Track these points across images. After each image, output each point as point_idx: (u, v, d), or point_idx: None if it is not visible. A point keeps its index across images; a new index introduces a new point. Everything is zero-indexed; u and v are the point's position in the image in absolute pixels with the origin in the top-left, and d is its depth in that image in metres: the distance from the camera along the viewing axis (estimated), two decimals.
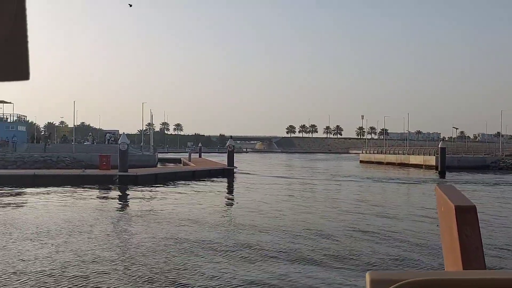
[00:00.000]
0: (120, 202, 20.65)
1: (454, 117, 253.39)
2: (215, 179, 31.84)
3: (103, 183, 26.42)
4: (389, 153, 64.69)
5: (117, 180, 26.85)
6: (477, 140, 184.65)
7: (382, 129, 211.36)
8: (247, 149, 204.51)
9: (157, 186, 26.29)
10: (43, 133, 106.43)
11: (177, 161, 60.28)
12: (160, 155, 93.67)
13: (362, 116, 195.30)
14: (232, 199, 22.09)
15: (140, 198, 21.74)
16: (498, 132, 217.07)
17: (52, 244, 11.45)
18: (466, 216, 1.06)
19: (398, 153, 61.60)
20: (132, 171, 27.75)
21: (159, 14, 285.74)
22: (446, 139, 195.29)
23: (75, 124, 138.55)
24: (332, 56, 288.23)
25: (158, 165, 56.05)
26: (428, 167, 51.47)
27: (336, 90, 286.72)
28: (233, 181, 31.03)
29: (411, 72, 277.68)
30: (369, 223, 14.94)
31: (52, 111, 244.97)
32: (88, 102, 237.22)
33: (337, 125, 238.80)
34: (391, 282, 0.78)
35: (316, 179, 33.89)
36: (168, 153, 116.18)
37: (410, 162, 56.27)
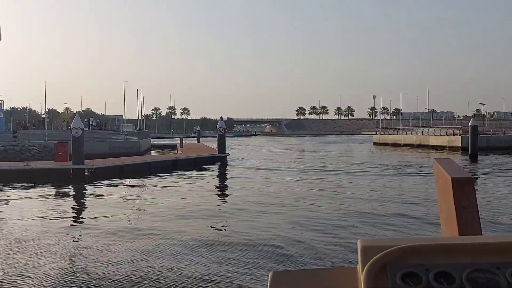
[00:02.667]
0: (51, 211, 14.94)
1: (467, 95, 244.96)
2: (201, 170, 26.15)
3: (54, 178, 20.93)
4: (407, 134, 58.40)
5: (71, 174, 21.34)
6: (493, 118, 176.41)
7: (395, 109, 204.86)
8: (256, 132, 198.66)
9: (118, 182, 20.70)
10: (41, 120, 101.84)
11: (174, 147, 54.87)
12: (161, 141, 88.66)
13: (374, 96, 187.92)
14: (214, 205, 16.12)
15: (82, 202, 16.15)
16: None
17: None
18: (463, 188, 1.05)
19: (417, 134, 55.26)
20: (89, 163, 22.15)
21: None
22: (461, 117, 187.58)
23: (82, 109, 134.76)
24: (342, 36, 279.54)
25: (152, 152, 50.74)
26: (453, 148, 45.30)
27: (347, 70, 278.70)
28: (222, 174, 25.22)
29: (423, 51, 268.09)
30: None
31: (58, 98, 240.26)
32: (95, 89, 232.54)
33: (348, 106, 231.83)
34: (383, 249, 0.79)
35: (326, 170, 27.40)
36: (173, 138, 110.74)
37: (431, 144, 50.04)
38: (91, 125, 45.16)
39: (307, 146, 65.20)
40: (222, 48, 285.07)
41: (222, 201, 16.01)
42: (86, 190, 19.07)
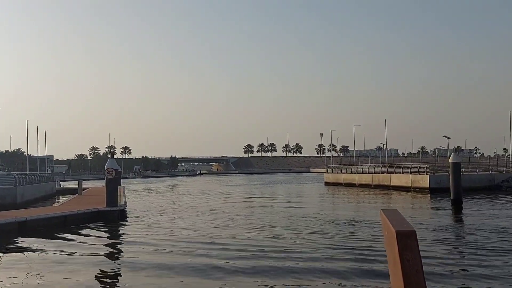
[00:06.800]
0: None
1: (411, 132, 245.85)
2: (64, 238, 16.55)
3: None
4: (362, 172, 50.74)
5: None
6: (434, 155, 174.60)
7: (343, 146, 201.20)
8: (201, 171, 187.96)
9: None
10: None
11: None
12: (85, 184, 76.73)
13: (321, 134, 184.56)
14: None
15: None
16: (458, 147, 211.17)
17: None
18: (407, 241, 1.09)
19: (375, 172, 47.64)
20: None
21: (107, 36, 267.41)
22: (406, 154, 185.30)
23: (11, 149, 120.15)
24: (290, 73, 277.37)
25: (61, 199, 40.40)
26: (419, 190, 37.79)
27: (295, 108, 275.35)
28: (93, 251, 15.37)
29: (369, 88, 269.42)
30: None
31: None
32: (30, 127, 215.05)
33: (296, 143, 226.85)
34: None
35: (269, 244, 18.57)
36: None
37: (392, 184, 42.48)
38: None
39: (254, 189, 55.46)
40: (165, 86, 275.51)
41: None
42: None
